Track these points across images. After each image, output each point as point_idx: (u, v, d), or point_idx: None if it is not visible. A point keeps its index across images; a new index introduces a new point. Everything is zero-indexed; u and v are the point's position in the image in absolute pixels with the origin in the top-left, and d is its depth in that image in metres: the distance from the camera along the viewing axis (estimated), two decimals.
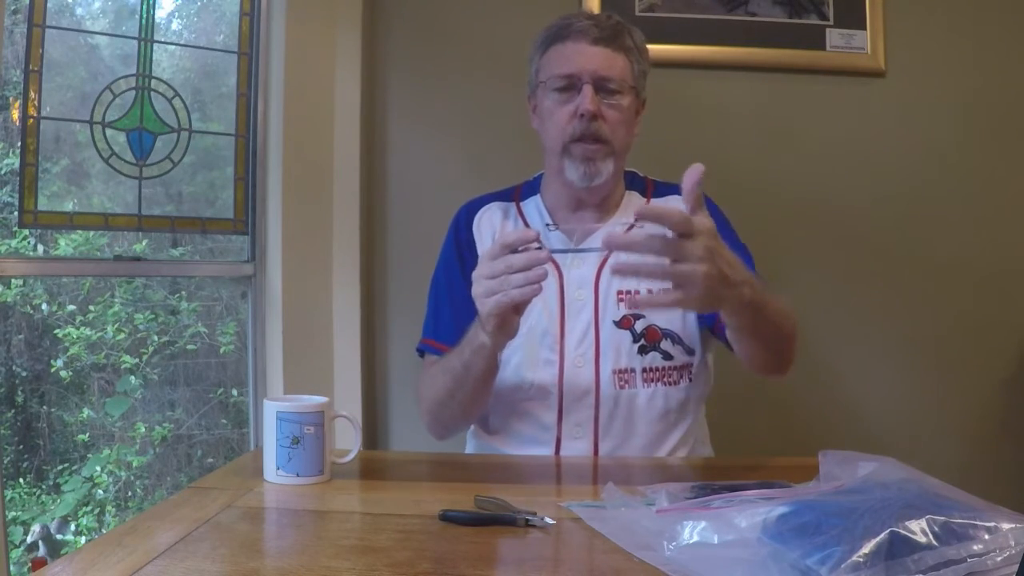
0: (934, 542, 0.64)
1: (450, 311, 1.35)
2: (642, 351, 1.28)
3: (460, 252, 1.38)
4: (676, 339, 1.29)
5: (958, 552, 0.64)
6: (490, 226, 1.39)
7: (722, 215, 1.38)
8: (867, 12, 1.99)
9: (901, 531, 0.64)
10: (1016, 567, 0.62)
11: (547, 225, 1.36)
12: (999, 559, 0.64)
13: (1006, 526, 0.67)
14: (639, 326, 1.28)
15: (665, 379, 1.28)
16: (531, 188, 1.43)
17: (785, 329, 1.19)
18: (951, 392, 2.01)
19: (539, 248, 1.04)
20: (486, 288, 1.05)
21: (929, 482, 0.76)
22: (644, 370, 1.27)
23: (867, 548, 0.63)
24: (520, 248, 1.04)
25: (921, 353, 2.02)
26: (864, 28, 1.99)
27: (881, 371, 2.02)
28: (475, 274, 1.07)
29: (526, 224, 1.38)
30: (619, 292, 1.29)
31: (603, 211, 1.37)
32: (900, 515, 0.66)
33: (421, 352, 1.40)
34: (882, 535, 0.64)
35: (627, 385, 1.27)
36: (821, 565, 0.63)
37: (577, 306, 1.30)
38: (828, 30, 2.00)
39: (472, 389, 1.22)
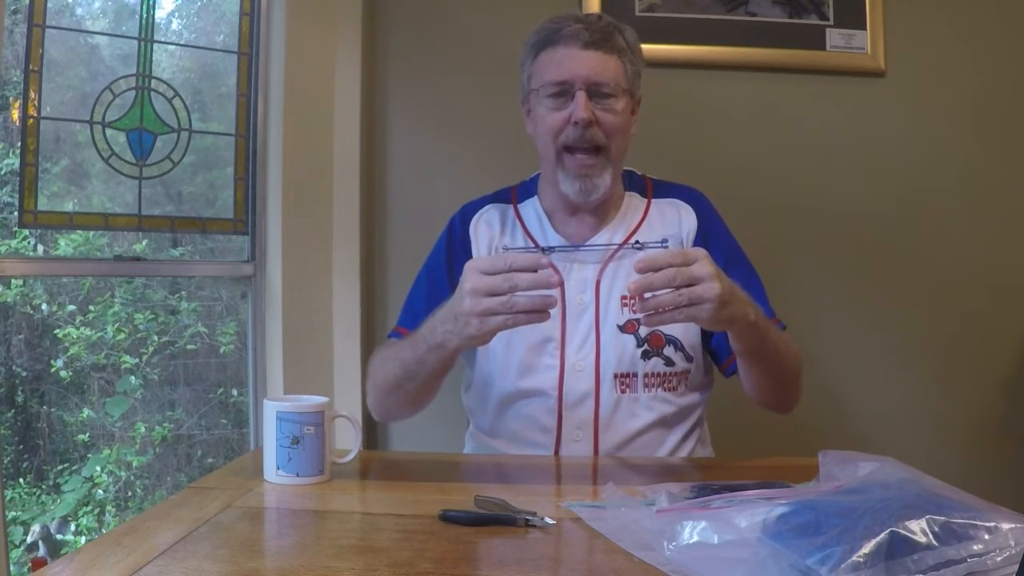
0: (934, 542, 0.64)
1: (426, 307, 1.33)
2: (645, 356, 1.28)
3: (451, 251, 1.37)
4: (678, 345, 1.29)
5: (958, 552, 0.64)
6: (488, 228, 1.38)
7: (729, 233, 1.39)
8: (867, 12, 1.99)
9: (901, 531, 0.64)
10: (1016, 567, 0.62)
11: (544, 248, 1.34)
12: (999, 559, 0.64)
13: (1006, 526, 0.67)
14: (643, 331, 1.28)
15: (665, 384, 1.28)
16: (527, 190, 1.42)
17: (788, 362, 1.24)
18: (951, 392, 2.01)
19: (549, 265, 1.02)
20: (486, 307, 1.01)
21: (929, 482, 0.76)
22: (646, 375, 1.27)
23: (867, 548, 0.63)
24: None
25: (921, 353, 2.02)
26: (864, 28, 1.99)
27: (881, 371, 2.02)
28: (469, 287, 1.02)
29: (525, 229, 1.37)
30: (623, 297, 1.29)
31: (601, 215, 1.36)
32: (900, 515, 0.66)
33: (390, 338, 1.38)
34: (882, 535, 0.64)
35: (628, 389, 1.27)
36: (821, 565, 0.63)
37: (578, 310, 1.29)
38: (828, 30, 2.00)
39: (423, 383, 1.21)
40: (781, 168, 2.01)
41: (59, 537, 1.78)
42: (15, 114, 1.69)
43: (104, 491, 1.91)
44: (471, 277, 1.03)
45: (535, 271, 1.01)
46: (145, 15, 1.77)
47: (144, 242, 1.88)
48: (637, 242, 1.32)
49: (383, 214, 1.99)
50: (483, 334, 1.04)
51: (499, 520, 0.88)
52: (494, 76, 1.91)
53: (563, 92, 1.26)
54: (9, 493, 1.78)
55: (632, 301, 1.28)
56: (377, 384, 1.29)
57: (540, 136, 1.31)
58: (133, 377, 1.93)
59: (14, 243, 1.81)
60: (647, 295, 1.01)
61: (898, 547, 0.63)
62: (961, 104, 2.02)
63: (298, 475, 1.04)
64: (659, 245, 1.30)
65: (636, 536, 0.80)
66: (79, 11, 1.80)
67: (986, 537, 0.65)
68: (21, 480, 1.85)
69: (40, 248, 1.87)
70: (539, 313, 1.01)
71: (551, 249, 1.31)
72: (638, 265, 1.01)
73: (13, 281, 1.83)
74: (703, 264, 1.01)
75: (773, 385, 1.27)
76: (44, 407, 1.89)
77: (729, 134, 2.01)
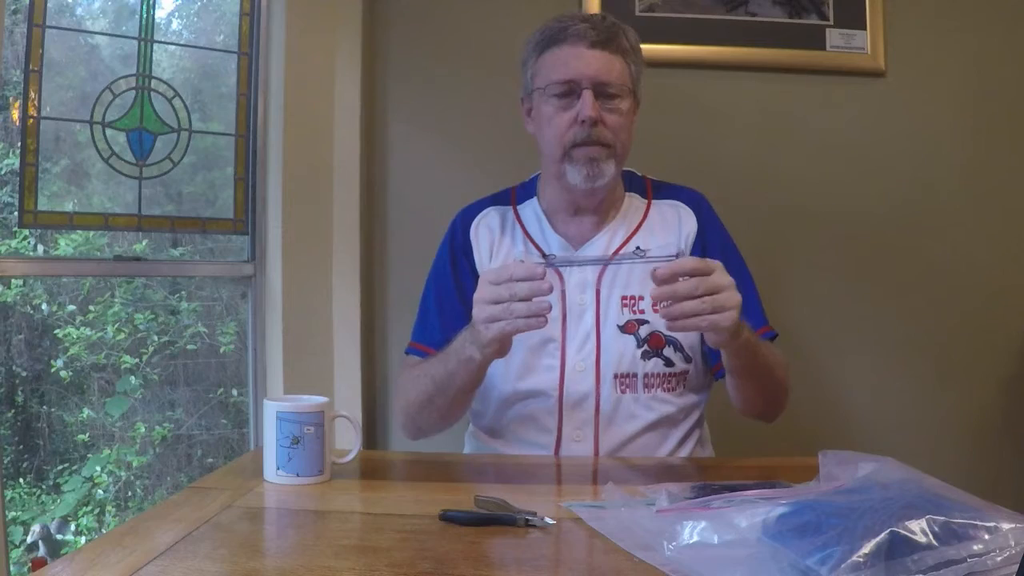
0: (934, 542, 0.64)
1: (438, 317, 1.35)
2: (645, 356, 1.28)
3: (455, 258, 1.38)
4: (678, 346, 1.29)
5: (958, 552, 0.64)
6: (488, 231, 1.38)
7: (728, 237, 1.39)
8: (867, 12, 1.99)
9: (901, 531, 0.64)
10: (1016, 567, 0.62)
11: (546, 255, 1.34)
12: (999, 559, 0.64)
13: (1006, 526, 0.67)
14: (643, 332, 1.28)
15: (664, 385, 1.29)
16: (527, 191, 1.42)
17: (777, 374, 1.26)
18: (951, 392, 2.01)
19: (544, 275, 1.06)
20: (489, 314, 1.07)
21: (929, 482, 0.76)
22: (646, 375, 1.28)
23: (867, 548, 0.63)
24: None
25: (921, 353, 2.02)
26: (864, 28, 1.99)
27: (881, 371, 2.02)
28: (476, 297, 1.09)
29: (524, 231, 1.37)
30: (623, 297, 1.29)
31: (601, 214, 1.36)
32: (900, 515, 0.66)
33: (408, 354, 1.40)
34: (882, 535, 0.64)
35: (628, 390, 1.27)
36: (821, 565, 0.63)
37: (578, 311, 1.29)
38: (828, 30, 2.00)
39: (453, 397, 1.23)
40: (781, 168, 2.01)
41: (59, 537, 1.78)
42: (15, 114, 1.69)
43: (104, 491, 1.91)
44: (480, 287, 1.09)
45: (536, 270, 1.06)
46: (145, 15, 1.77)
47: (144, 242, 1.88)
48: (638, 248, 1.32)
49: (383, 214, 1.99)
50: (491, 340, 1.09)
51: (499, 520, 0.88)
52: (494, 76, 1.91)
53: (569, 91, 1.27)
54: (9, 493, 1.78)
55: (631, 301, 1.29)
56: (410, 401, 1.30)
57: (544, 135, 1.31)
58: (133, 377, 1.93)
59: (14, 243, 1.81)
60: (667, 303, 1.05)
61: (898, 547, 0.63)
62: (961, 104, 2.02)
63: (298, 475, 1.04)
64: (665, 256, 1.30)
65: (636, 536, 0.80)
66: (79, 11, 1.80)
67: (986, 537, 0.65)
68: (21, 480, 1.85)
69: (40, 248, 1.87)
70: (536, 318, 1.06)
71: (553, 257, 1.32)
72: (660, 273, 1.04)
73: (13, 281, 1.83)
74: (721, 274, 1.06)
75: (761, 398, 1.29)
76: (44, 407, 1.89)
77: (729, 134, 2.01)
